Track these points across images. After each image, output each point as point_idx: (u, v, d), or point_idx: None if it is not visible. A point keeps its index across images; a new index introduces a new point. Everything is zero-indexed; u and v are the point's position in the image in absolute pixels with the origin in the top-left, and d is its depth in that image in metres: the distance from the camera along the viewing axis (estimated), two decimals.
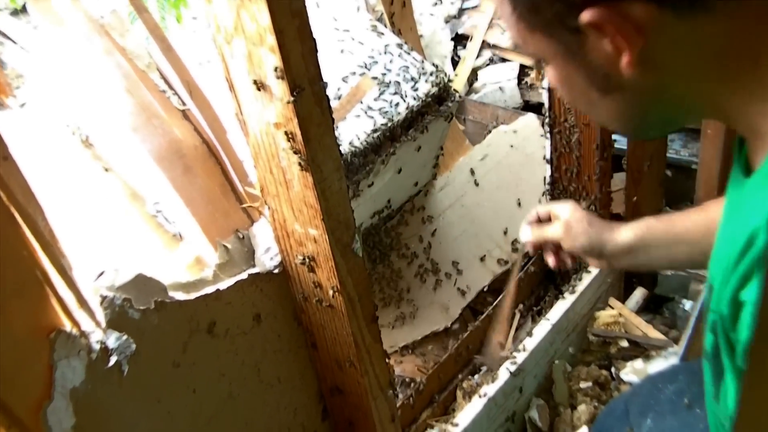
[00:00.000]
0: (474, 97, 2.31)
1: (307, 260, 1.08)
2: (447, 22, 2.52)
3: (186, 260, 1.37)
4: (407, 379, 1.72)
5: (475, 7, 2.60)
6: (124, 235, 1.59)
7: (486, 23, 2.47)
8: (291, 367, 1.26)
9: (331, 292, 1.10)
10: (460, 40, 2.53)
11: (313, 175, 0.96)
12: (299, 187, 0.99)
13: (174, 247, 1.53)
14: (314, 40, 0.90)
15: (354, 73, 1.55)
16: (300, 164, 0.95)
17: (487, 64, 2.43)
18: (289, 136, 0.93)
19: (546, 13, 0.66)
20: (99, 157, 1.53)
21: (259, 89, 0.92)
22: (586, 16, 0.60)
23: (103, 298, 0.96)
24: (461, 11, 2.60)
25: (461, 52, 2.47)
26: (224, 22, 0.90)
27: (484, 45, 2.45)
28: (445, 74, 1.62)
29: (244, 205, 1.10)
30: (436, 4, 2.56)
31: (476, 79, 2.40)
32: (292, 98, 0.89)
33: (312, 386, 1.32)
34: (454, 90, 1.67)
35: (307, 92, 0.91)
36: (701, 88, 0.65)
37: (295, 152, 0.94)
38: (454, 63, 2.43)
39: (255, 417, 1.23)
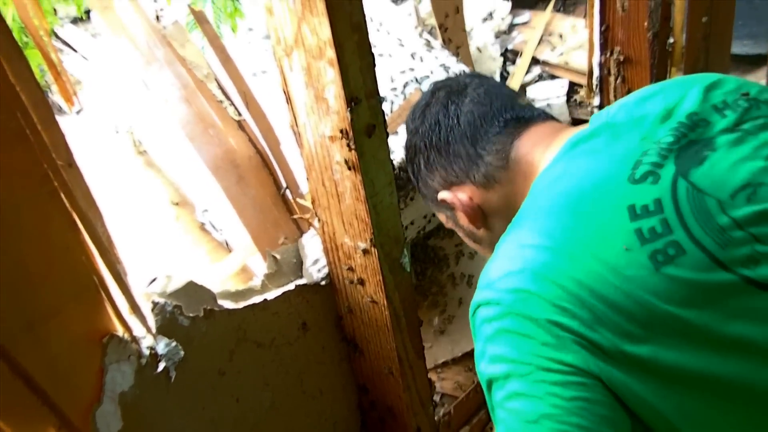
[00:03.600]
0: None
1: (355, 273, 1.08)
2: (497, 37, 2.52)
3: (232, 269, 1.38)
4: (446, 395, 1.71)
5: (526, 23, 2.59)
6: (173, 241, 1.61)
7: (536, 39, 2.45)
8: (333, 380, 1.26)
9: (377, 306, 1.10)
10: (509, 55, 2.52)
11: (365, 188, 0.97)
12: (351, 201, 1.00)
13: (220, 255, 1.55)
14: (372, 55, 0.91)
15: (406, 85, 1.56)
16: (353, 179, 0.96)
17: (537, 81, 2.42)
18: (344, 149, 0.94)
19: (430, 200, 1.10)
20: (151, 163, 1.55)
21: (315, 102, 0.93)
22: (441, 196, 1.06)
23: (155, 304, 0.97)
24: (511, 27, 2.59)
25: (510, 68, 2.46)
26: (285, 33, 0.90)
27: (534, 61, 2.44)
28: None
29: (294, 216, 1.10)
30: (486, 19, 2.56)
31: (525, 95, 2.39)
32: (348, 111, 0.89)
33: (352, 399, 1.32)
34: None
35: (363, 106, 0.92)
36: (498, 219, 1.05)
37: (349, 167, 0.94)
38: (503, 78, 2.42)
39: (296, 427, 1.23)
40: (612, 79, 1.54)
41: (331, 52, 0.85)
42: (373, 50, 1.65)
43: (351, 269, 1.09)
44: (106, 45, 1.10)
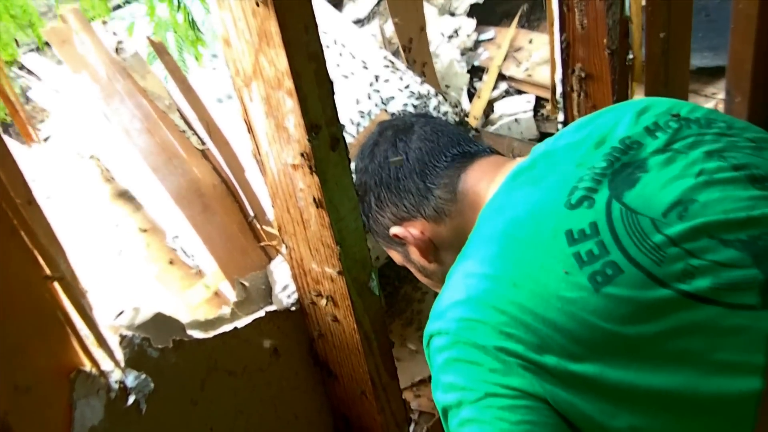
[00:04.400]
0: (490, 129, 2.32)
1: (324, 298, 1.09)
2: (463, 54, 2.55)
3: (204, 295, 1.38)
4: (424, 413, 1.72)
5: (491, 39, 2.62)
6: (143, 269, 1.60)
7: (502, 56, 2.49)
8: (307, 404, 1.26)
9: (347, 330, 1.10)
10: (476, 72, 2.55)
11: (329, 215, 0.97)
12: (316, 227, 1.00)
13: (193, 282, 1.55)
14: (331, 82, 0.92)
15: (370, 113, 1.57)
16: (316, 205, 0.96)
17: (503, 96, 2.45)
18: (307, 176, 0.94)
19: (381, 237, 1.19)
20: (119, 191, 1.55)
21: (276, 131, 0.94)
22: (393, 231, 1.13)
23: (123, 337, 0.97)
24: (477, 43, 2.62)
25: (477, 84, 2.49)
26: (243, 65, 0.91)
27: (500, 77, 2.47)
28: (462, 109, 1.63)
29: (262, 244, 1.11)
30: (452, 36, 2.59)
31: (492, 111, 2.42)
32: (308, 140, 0.90)
33: (327, 422, 1.32)
34: (471, 126, 1.69)
35: (324, 133, 0.93)
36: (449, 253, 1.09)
37: (312, 194, 0.95)
38: (470, 95, 2.45)
39: None
40: (575, 95, 1.57)
41: (289, 83, 0.86)
42: (338, 71, 1.67)
43: (320, 294, 1.10)
44: (68, 76, 1.10)
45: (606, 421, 0.75)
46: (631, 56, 1.49)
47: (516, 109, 2.35)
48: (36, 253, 0.82)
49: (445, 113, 1.63)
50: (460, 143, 1.13)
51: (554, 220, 0.85)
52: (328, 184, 0.95)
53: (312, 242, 1.03)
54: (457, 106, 1.65)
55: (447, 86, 2.34)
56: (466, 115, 1.67)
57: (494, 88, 2.44)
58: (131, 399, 0.98)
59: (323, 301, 1.10)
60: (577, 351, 0.76)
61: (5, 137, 0.79)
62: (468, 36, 2.60)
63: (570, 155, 0.96)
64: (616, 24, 1.44)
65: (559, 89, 1.60)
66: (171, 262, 1.61)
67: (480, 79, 2.52)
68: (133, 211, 1.65)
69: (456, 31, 2.61)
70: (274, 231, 1.08)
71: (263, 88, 0.91)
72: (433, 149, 1.11)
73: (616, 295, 0.76)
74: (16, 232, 0.80)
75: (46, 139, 1.49)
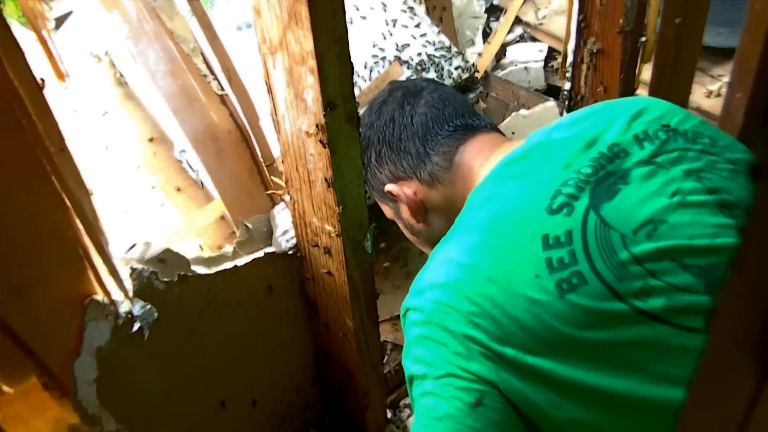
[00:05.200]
0: (500, 73, 2.35)
1: (320, 249, 1.17)
2: None
3: (212, 217, 1.45)
4: (398, 346, 1.83)
5: None
6: (151, 177, 1.67)
7: None
8: (293, 337, 1.37)
9: (338, 281, 1.19)
10: (494, 11, 2.54)
11: (335, 181, 1.04)
12: (321, 189, 1.07)
13: (196, 192, 1.62)
14: (351, 63, 0.96)
15: (385, 58, 1.61)
16: (324, 170, 1.03)
17: (517, 41, 2.46)
18: (318, 145, 1.00)
19: (376, 191, 1.24)
20: (131, 96, 1.59)
21: (295, 100, 0.99)
22: (387, 187, 1.19)
23: (133, 270, 1.05)
24: None
25: (493, 24, 2.49)
26: (270, 35, 0.96)
27: (517, 20, 2.47)
28: (473, 65, 1.66)
29: (268, 192, 1.18)
30: None
31: (504, 55, 2.43)
32: (324, 114, 0.96)
33: (309, 353, 1.43)
34: (479, 73, 1.72)
35: (339, 109, 0.98)
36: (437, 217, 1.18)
37: (321, 161, 1.02)
38: (485, 35, 2.45)
39: (256, 377, 1.34)
40: (584, 67, 1.60)
41: (312, 62, 0.91)
42: (356, 13, 1.69)
43: (317, 246, 1.18)
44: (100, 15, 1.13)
45: (551, 411, 0.85)
46: (643, 38, 1.52)
47: (527, 57, 2.37)
48: (64, 196, 0.89)
49: (457, 67, 1.67)
50: (464, 115, 1.18)
51: (534, 223, 0.92)
52: (337, 155, 1.01)
53: (315, 201, 1.10)
54: (467, 61, 1.69)
55: (462, 25, 2.34)
56: (476, 71, 1.70)
57: (509, 31, 2.45)
58: (136, 326, 1.07)
59: (319, 252, 1.18)
60: (535, 347, 0.85)
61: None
62: None
63: (561, 152, 1.01)
64: (634, 6, 1.46)
65: (569, 58, 1.64)
66: (177, 173, 1.68)
67: (497, 19, 2.52)
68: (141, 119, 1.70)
69: None
70: (281, 182, 1.15)
71: (287, 60, 0.95)
72: (438, 117, 1.17)
73: (578, 303, 0.84)
74: (48, 177, 0.87)
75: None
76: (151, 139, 1.68)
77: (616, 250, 0.87)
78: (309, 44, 0.90)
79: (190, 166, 1.68)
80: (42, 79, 0.82)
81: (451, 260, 0.96)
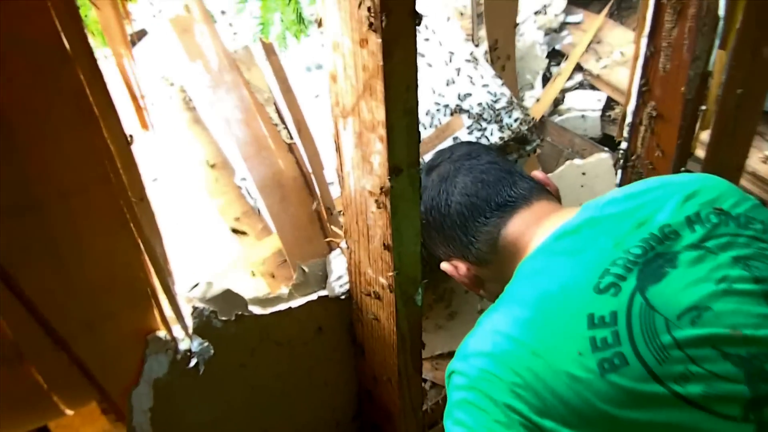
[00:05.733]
0: (556, 119, 2.37)
1: (372, 298, 1.21)
2: (546, 34, 2.56)
3: (270, 250, 1.50)
4: (437, 385, 1.86)
5: (578, 23, 2.62)
6: (210, 201, 1.73)
7: (584, 45, 2.50)
8: (338, 375, 1.41)
9: (387, 329, 1.22)
10: (555, 56, 2.57)
11: (393, 240, 1.08)
12: (379, 245, 1.11)
13: (252, 220, 1.67)
14: (419, 133, 1.00)
15: (447, 106, 1.64)
16: (383, 229, 1.07)
17: (576, 88, 2.48)
18: (380, 206, 1.05)
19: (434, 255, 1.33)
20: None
21: (361, 161, 1.03)
22: (442, 266, 1.30)
23: (195, 309, 1.10)
24: (563, 25, 2.63)
25: (554, 69, 2.52)
26: (343, 101, 1.00)
27: (577, 67, 2.49)
28: (532, 119, 1.69)
29: (327, 240, 1.22)
30: (539, 12, 2.59)
31: (562, 101, 2.45)
32: (389, 179, 1.00)
33: (352, 391, 1.47)
34: (535, 121, 1.75)
35: (404, 174, 1.02)
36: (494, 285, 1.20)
37: (382, 220, 1.06)
38: (545, 79, 2.48)
39: (299, 411, 1.38)
40: (642, 129, 1.62)
41: (382, 131, 0.95)
42: (422, 60, 1.73)
43: (369, 295, 1.22)
44: (183, 64, 1.20)
45: None
46: (704, 107, 1.54)
47: (585, 105, 2.38)
48: (140, 241, 0.95)
49: (517, 119, 1.70)
50: (502, 192, 1.20)
51: (581, 301, 0.95)
52: (398, 216, 1.05)
53: (372, 254, 1.14)
54: (527, 114, 1.72)
55: (523, 68, 2.38)
56: (535, 125, 1.73)
57: (569, 78, 2.47)
58: (193, 361, 1.12)
59: (371, 300, 1.22)
60: (573, 421, 0.88)
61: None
62: (555, 16, 2.60)
63: (612, 230, 1.03)
64: (697, 76, 1.48)
65: (628, 119, 1.65)
66: (235, 198, 1.74)
67: (558, 64, 2.54)
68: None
69: (545, 8, 2.61)
70: (341, 233, 1.19)
71: (358, 125, 1.00)
72: (474, 205, 1.20)
73: (618, 384, 0.87)
74: (127, 225, 0.92)
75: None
76: (213, 165, 1.74)
77: (659, 334, 0.90)
78: (381, 115, 0.94)
79: (249, 194, 1.74)
80: (131, 136, 0.87)
81: (498, 331, 0.99)
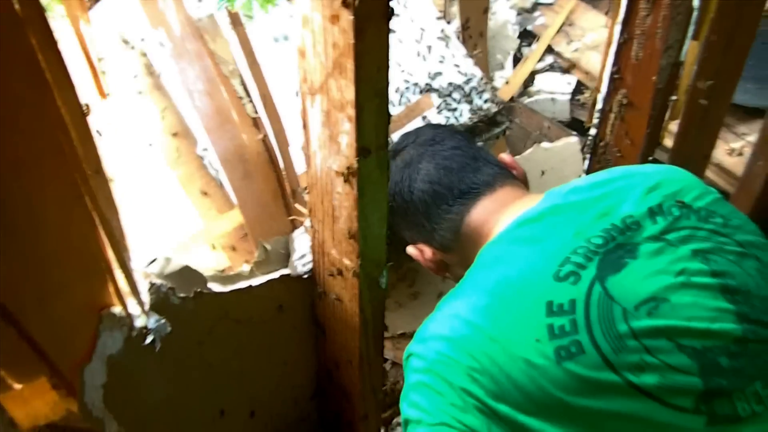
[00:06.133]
0: (526, 100, 2.36)
1: (335, 278, 1.19)
2: (519, 14, 2.54)
3: (232, 225, 1.47)
4: (397, 364, 1.86)
5: (550, 4, 2.60)
6: (172, 173, 1.68)
7: (556, 27, 2.48)
8: (298, 354, 1.39)
9: (349, 312, 1.21)
10: (526, 36, 2.55)
11: (359, 221, 1.06)
12: (344, 225, 1.09)
13: (213, 190, 1.64)
14: (389, 114, 0.98)
15: (416, 84, 1.62)
16: (349, 210, 1.05)
17: (547, 70, 2.46)
18: (347, 186, 1.02)
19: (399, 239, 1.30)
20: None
21: (328, 141, 1.01)
22: (407, 250, 1.31)
23: (152, 285, 1.07)
24: (535, 5, 2.60)
25: (525, 50, 2.50)
26: (312, 78, 0.97)
27: (548, 49, 2.48)
28: (501, 101, 1.68)
29: (290, 218, 1.20)
30: None
31: (532, 82, 2.44)
32: (356, 160, 0.97)
33: (311, 370, 1.45)
34: (504, 102, 1.74)
35: (372, 156, 0.99)
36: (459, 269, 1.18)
37: (347, 201, 1.03)
38: (516, 60, 2.46)
39: (257, 390, 1.37)
40: (612, 116, 1.62)
41: (351, 111, 0.93)
42: (394, 36, 1.70)
43: (333, 275, 1.20)
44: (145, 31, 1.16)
45: None
46: (674, 97, 1.53)
47: (555, 88, 2.37)
48: (95, 215, 0.91)
49: (487, 100, 1.68)
50: (465, 179, 1.20)
51: (540, 288, 0.95)
52: (364, 198, 1.03)
53: (336, 235, 1.12)
54: (497, 96, 1.70)
55: (494, 47, 2.35)
56: (505, 108, 1.72)
57: (540, 59, 2.46)
58: (149, 339, 1.09)
59: (334, 281, 1.20)
60: (528, 407, 0.89)
61: None
62: None
63: (573, 219, 1.03)
64: (669, 65, 1.47)
65: (599, 105, 1.65)
66: (197, 170, 1.70)
67: (529, 45, 2.52)
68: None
69: None
70: (305, 211, 1.17)
71: (326, 103, 0.97)
72: (436, 192, 1.20)
73: (573, 371, 0.88)
74: (81, 198, 0.89)
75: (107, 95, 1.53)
76: (175, 134, 1.70)
77: (616, 323, 0.90)
78: (350, 95, 0.91)
79: (212, 165, 1.70)
80: (87, 105, 0.84)
81: (457, 316, 1.00)
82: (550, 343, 0.90)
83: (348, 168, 1.00)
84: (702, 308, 0.91)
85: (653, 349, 0.88)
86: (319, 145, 1.03)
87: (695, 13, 1.45)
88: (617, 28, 1.50)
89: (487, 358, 0.92)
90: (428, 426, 0.95)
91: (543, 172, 1.99)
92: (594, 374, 0.87)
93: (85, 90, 0.86)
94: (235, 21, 1.11)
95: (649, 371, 0.87)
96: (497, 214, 1.15)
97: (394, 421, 1.78)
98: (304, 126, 1.05)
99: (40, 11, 0.73)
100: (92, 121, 0.87)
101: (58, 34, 0.77)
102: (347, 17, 0.84)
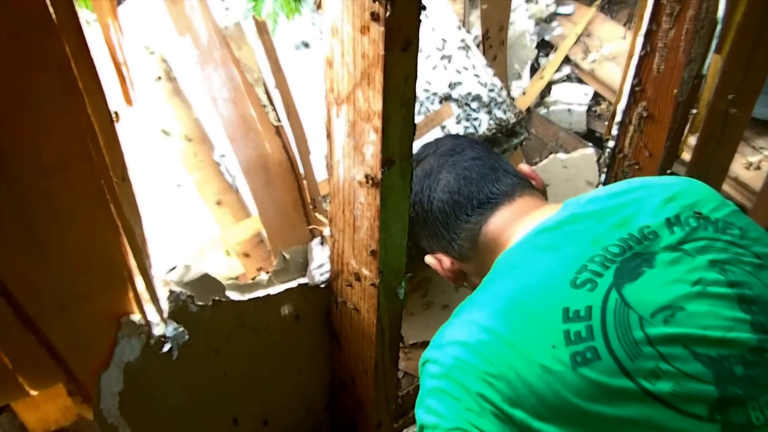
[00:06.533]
0: (542, 111, 2.35)
1: (353, 289, 1.18)
2: (537, 24, 2.53)
3: (249, 232, 1.46)
4: (409, 375, 1.85)
5: (568, 15, 2.59)
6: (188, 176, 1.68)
7: (573, 38, 2.47)
8: (313, 363, 1.38)
9: (366, 321, 1.20)
10: (544, 46, 2.54)
11: (380, 232, 1.05)
12: (365, 236, 1.08)
13: (228, 197, 1.63)
14: (414, 125, 0.97)
15: (436, 93, 1.61)
16: (371, 220, 1.04)
17: (564, 81, 2.46)
18: (369, 197, 1.02)
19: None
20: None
21: (353, 151, 1.00)
22: (426, 259, 1.31)
23: (171, 293, 1.07)
24: (553, 16, 2.60)
25: (542, 60, 2.49)
26: (339, 88, 0.96)
27: (566, 60, 2.47)
28: (520, 112, 1.67)
29: (310, 227, 1.19)
30: (530, 1, 2.56)
31: (549, 93, 2.43)
32: (381, 171, 0.97)
33: (325, 379, 1.44)
34: (521, 112, 1.73)
35: (396, 167, 0.99)
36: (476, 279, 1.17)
37: (370, 212, 1.03)
38: (533, 70, 2.45)
39: (271, 398, 1.36)
40: (631, 128, 1.61)
41: (377, 122, 0.92)
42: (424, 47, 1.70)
43: (351, 285, 1.19)
44: (172, 38, 1.15)
45: None
46: (694, 111, 1.52)
47: (572, 99, 2.36)
48: (119, 222, 0.91)
49: (506, 111, 1.68)
50: (484, 189, 1.21)
51: (557, 295, 0.95)
52: (387, 208, 1.02)
53: (356, 245, 1.11)
54: (516, 107, 1.69)
55: (512, 57, 2.35)
56: (524, 119, 1.71)
57: (557, 70, 2.45)
58: (167, 347, 1.09)
59: (352, 291, 1.20)
60: (543, 413, 0.89)
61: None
62: (546, 6, 2.57)
63: (591, 227, 1.04)
64: (691, 78, 1.46)
65: (618, 118, 1.64)
66: (213, 175, 1.69)
67: (546, 55, 2.51)
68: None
69: None
70: (325, 221, 1.16)
71: (352, 114, 0.96)
72: (456, 202, 1.21)
73: (589, 377, 0.88)
74: (107, 205, 0.88)
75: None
76: (190, 139, 1.69)
77: (632, 330, 0.90)
78: (378, 105, 0.91)
79: (228, 172, 1.69)
80: (116, 112, 0.83)
81: (474, 321, 1.00)
82: (566, 349, 0.89)
83: (372, 178, 0.99)
84: (718, 317, 0.91)
85: (669, 356, 0.88)
86: (343, 154, 1.03)
87: (719, 27, 1.44)
88: (639, 40, 1.49)
89: (504, 364, 0.92)
90: (445, 431, 0.95)
91: (564, 180, 1.99)
92: (609, 380, 0.87)
93: (112, 97, 0.85)
94: (262, 29, 1.11)
95: (664, 378, 0.86)
96: (515, 223, 1.16)
97: (405, 431, 1.77)
98: (328, 135, 1.04)
99: (75, 19, 0.73)
100: (119, 128, 0.86)
101: (90, 41, 0.76)
102: (378, 29, 0.84)
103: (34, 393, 1.02)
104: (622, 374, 0.87)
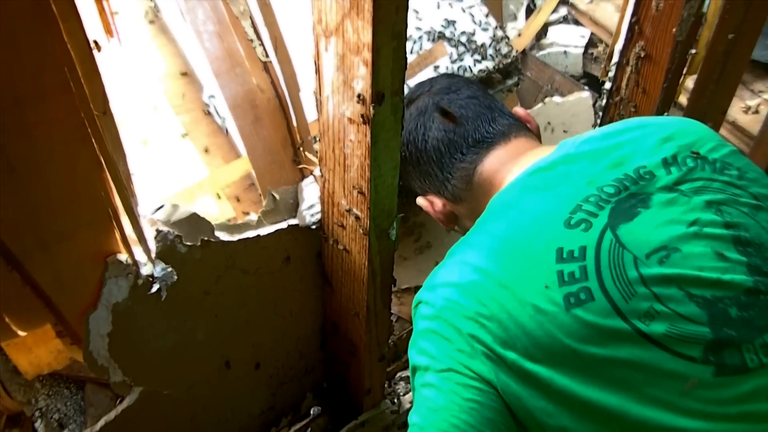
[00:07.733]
0: (538, 53, 2.31)
1: (344, 229, 1.16)
2: None
3: (238, 174, 1.44)
4: (402, 319, 1.85)
5: None
6: (177, 116, 1.64)
7: None
8: (303, 305, 1.37)
9: (357, 263, 1.19)
10: None
11: (371, 170, 1.03)
12: (355, 175, 1.06)
13: (218, 139, 1.60)
14: (406, 59, 0.94)
15: (429, 32, 1.57)
16: (361, 158, 1.02)
17: (560, 22, 2.40)
18: (360, 134, 0.99)
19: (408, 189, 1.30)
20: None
21: (343, 86, 0.97)
22: (417, 201, 1.30)
23: (158, 232, 1.05)
24: None
25: (538, 0, 2.43)
26: (327, 19, 0.93)
27: (563, 0, 2.41)
28: (515, 55, 1.63)
29: (300, 166, 1.17)
30: None
31: (545, 34, 2.38)
32: (371, 106, 0.94)
33: (317, 322, 1.44)
34: (516, 52, 1.70)
35: (387, 102, 0.96)
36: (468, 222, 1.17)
37: (360, 149, 1.00)
38: (529, 11, 2.40)
39: (263, 340, 1.35)
40: (628, 69, 1.57)
41: (367, 54, 0.89)
42: None
43: (342, 226, 1.17)
44: None
45: (543, 418, 0.87)
46: (693, 51, 1.49)
47: (568, 41, 2.32)
48: (101, 158, 0.88)
49: (500, 51, 1.64)
50: (480, 128, 1.19)
51: (550, 235, 0.94)
52: (378, 145, 1.00)
53: (347, 184, 1.09)
54: (511, 46, 1.65)
55: None
56: (519, 60, 1.67)
57: (553, 11, 2.39)
58: (155, 287, 1.07)
59: (343, 232, 1.18)
60: (536, 354, 0.88)
61: None
62: None
63: (586, 168, 1.02)
64: (690, 17, 1.43)
65: (615, 58, 1.61)
66: (201, 116, 1.66)
67: None
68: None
69: None
70: (314, 158, 1.14)
71: (341, 46, 0.93)
72: (451, 141, 1.19)
73: (582, 318, 0.86)
74: (88, 139, 0.86)
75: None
76: (184, 73, 1.64)
77: (627, 270, 0.89)
78: (367, 37, 0.87)
79: (218, 113, 1.66)
80: (95, 42, 0.80)
81: (466, 262, 0.98)
82: (559, 290, 0.88)
83: (362, 115, 0.97)
84: (713, 259, 0.90)
85: (663, 297, 0.87)
86: (333, 90, 1.00)
87: None
88: None
89: (496, 304, 0.91)
90: (436, 372, 0.94)
91: (550, 125, 1.96)
92: (602, 321, 0.86)
93: (91, 27, 0.82)
94: None
95: (658, 319, 0.85)
96: (510, 164, 1.14)
97: (397, 375, 1.77)
98: (317, 70, 1.01)
99: None
100: (99, 59, 0.83)
101: None
102: None
103: (22, 334, 1.01)
104: (615, 315, 0.86)
